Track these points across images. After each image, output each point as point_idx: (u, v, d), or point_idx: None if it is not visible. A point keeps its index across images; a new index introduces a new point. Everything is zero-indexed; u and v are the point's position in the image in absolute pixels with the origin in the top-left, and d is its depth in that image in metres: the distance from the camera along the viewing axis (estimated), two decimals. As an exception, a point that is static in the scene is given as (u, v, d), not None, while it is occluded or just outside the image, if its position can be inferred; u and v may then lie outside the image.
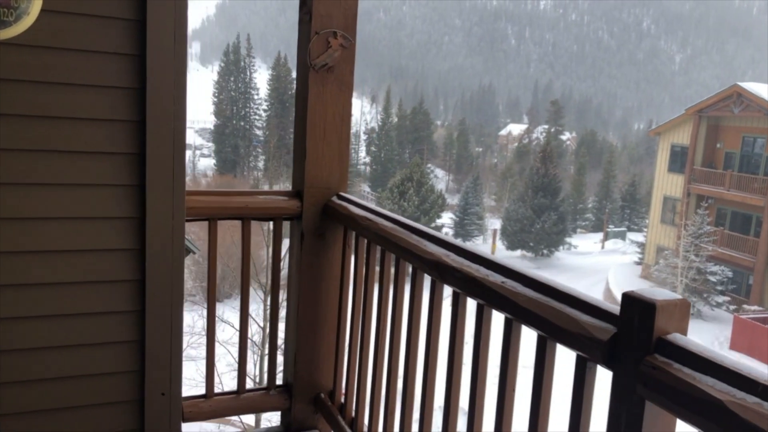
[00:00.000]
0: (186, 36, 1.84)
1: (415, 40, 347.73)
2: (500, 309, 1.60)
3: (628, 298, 1.25)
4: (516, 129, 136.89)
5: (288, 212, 2.13)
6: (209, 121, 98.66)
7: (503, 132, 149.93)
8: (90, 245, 1.93)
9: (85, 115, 1.87)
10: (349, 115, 2.16)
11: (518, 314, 1.52)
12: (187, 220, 1.98)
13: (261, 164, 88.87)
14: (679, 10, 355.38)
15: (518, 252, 43.20)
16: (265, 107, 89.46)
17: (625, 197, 65.47)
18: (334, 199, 2.11)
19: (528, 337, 1.76)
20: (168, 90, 1.79)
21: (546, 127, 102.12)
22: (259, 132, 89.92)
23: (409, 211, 36.58)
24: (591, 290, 34.38)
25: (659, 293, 1.24)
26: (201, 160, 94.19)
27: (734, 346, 23.26)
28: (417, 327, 1.97)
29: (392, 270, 1.90)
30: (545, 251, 42.65)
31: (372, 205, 1.99)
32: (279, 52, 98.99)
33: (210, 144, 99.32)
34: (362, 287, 1.98)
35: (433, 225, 38.33)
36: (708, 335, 24.44)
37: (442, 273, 1.75)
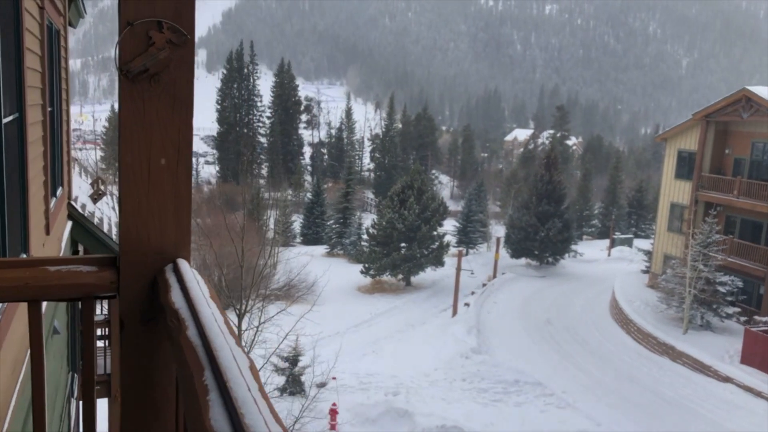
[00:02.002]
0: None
1: (420, 46, 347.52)
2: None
3: None
4: (522, 134, 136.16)
5: (100, 288, 1.45)
6: (214, 128, 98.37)
7: (509, 137, 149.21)
8: None
9: None
10: (189, 144, 1.47)
11: None
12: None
13: (264, 172, 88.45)
14: (685, 14, 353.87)
15: (523, 260, 42.40)
16: (269, 114, 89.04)
17: (631, 203, 64.53)
18: (168, 270, 1.42)
19: None
20: None
21: (552, 132, 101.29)
22: (262, 139, 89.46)
23: (409, 219, 35.85)
24: (597, 299, 33.62)
25: None
26: (205, 168, 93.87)
27: (745, 359, 22.38)
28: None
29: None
30: (550, 259, 41.81)
31: (200, 286, 1.29)
32: (282, 59, 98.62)
33: (214, 151, 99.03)
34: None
35: (434, 233, 37.59)
36: (717, 348, 23.58)
37: None
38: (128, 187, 1.42)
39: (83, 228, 6.35)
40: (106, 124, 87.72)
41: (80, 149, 79.69)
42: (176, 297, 1.26)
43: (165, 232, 1.46)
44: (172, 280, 1.37)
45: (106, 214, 7.65)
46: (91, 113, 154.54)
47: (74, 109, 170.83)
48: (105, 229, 6.78)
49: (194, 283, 1.31)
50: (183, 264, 1.44)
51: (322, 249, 50.56)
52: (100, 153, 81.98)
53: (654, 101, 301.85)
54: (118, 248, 1.46)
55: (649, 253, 34.70)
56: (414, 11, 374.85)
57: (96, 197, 7.41)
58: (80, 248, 6.67)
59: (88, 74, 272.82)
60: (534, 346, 26.06)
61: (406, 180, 37.76)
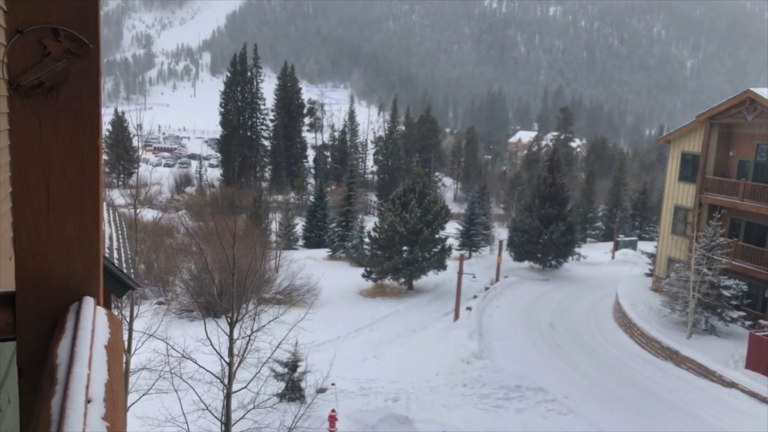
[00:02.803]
0: None
1: (424, 48, 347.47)
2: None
3: None
4: (526, 136, 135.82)
5: (-7, 330, 1.29)
6: (217, 131, 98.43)
7: (513, 139, 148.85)
8: None
9: None
10: (95, 165, 1.29)
11: None
12: None
13: (267, 174, 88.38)
14: (690, 15, 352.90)
15: (526, 263, 42.13)
16: (272, 117, 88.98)
17: (635, 205, 64.20)
18: (72, 310, 1.25)
19: None
20: None
21: (556, 134, 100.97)
22: (266, 142, 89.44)
23: (411, 223, 35.64)
24: (601, 303, 33.34)
25: None
26: (209, 171, 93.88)
27: (750, 365, 22.08)
28: None
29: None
30: (553, 262, 41.53)
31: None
32: (286, 62, 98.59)
33: (218, 154, 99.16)
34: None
35: (436, 236, 37.37)
36: (722, 353, 23.28)
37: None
38: (24, 215, 1.25)
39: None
40: (110, 128, 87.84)
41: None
42: (62, 349, 1.09)
43: (70, 265, 1.29)
44: (69, 324, 1.20)
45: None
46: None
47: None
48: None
49: (88, 330, 1.14)
50: (87, 304, 1.27)
51: (324, 252, 50.43)
52: (103, 156, 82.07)
53: (659, 103, 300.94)
54: (15, 283, 1.29)
55: (652, 256, 34.41)
56: (418, 13, 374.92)
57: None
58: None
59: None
60: (536, 350, 25.81)
61: (408, 183, 37.55)
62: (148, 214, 43.63)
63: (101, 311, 1.28)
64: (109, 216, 9.34)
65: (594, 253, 49.86)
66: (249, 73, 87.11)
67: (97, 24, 1.24)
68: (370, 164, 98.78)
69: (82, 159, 1.28)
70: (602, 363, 24.55)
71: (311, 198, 62.14)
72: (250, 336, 10.48)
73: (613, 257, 48.90)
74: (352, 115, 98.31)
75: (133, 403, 11.36)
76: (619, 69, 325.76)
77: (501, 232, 51.29)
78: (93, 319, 1.23)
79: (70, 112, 1.25)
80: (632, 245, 52.14)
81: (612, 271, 41.83)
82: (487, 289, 35.25)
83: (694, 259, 25.13)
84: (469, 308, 30.61)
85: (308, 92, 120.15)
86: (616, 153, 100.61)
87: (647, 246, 45.70)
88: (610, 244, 53.08)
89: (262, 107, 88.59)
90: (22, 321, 1.30)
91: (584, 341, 27.30)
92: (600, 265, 45.12)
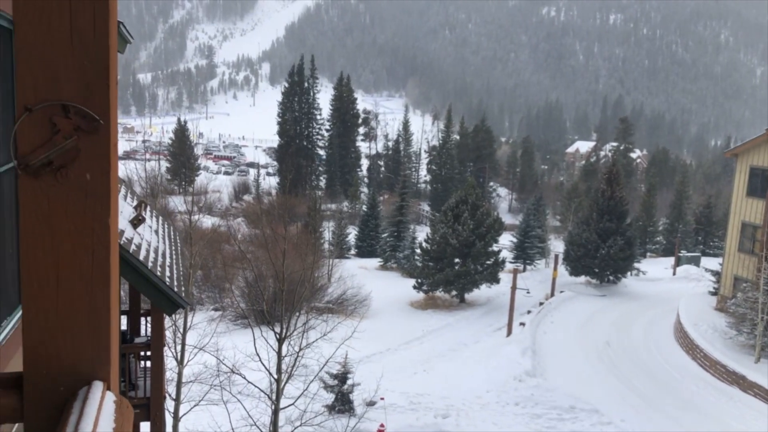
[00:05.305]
0: None
1: (480, 57, 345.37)
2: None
3: None
4: (583, 146, 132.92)
5: (1, 418, 1.23)
6: (275, 140, 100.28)
7: (570, 149, 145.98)
8: None
9: None
10: (106, 245, 1.23)
11: None
12: None
13: (322, 183, 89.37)
14: (759, 21, 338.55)
15: (582, 278, 41.07)
16: (328, 127, 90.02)
17: (699, 220, 61.77)
18: (80, 396, 1.19)
19: None
20: None
21: (615, 144, 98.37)
22: (321, 151, 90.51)
23: (463, 235, 35.27)
24: (660, 321, 32.13)
25: None
26: (266, 179, 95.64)
27: (824, 393, 20.83)
28: None
29: None
30: (611, 277, 40.33)
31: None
32: (341, 72, 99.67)
33: (275, 163, 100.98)
34: None
35: (489, 249, 36.86)
36: (793, 379, 22.04)
37: None
38: (33, 295, 1.21)
39: (123, 259, 6.31)
40: (173, 136, 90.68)
41: (147, 160, 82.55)
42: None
43: (78, 348, 1.23)
44: (74, 412, 1.14)
45: (146, 239, 7.65)
46: (161, 125, 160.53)
47: (144, 121, 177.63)
48: (141, 256, 6.74)
49: (90, 418, 1.08)
50: (95, 390, 1.21)
51: (375, 262, 50.48)
52: (166, 164, 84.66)
53: (725, 112, 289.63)
54: (23, 366, 1.24)
55: (717, 274, 32.93)
56: (474, 22, 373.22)
57: (136, 222, 7.42)
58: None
59: (157, 87, 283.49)
60: (592, 369, 25.04)
61: (461, 194, 37.19)
62: (207, 222, 44.72)
63: (110, 398, 1.23)
64: (164, 231, 9.53)
65: (654, 268, 48.19)
66: (306, 84, 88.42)
67: (106, 96, 1.18)
68: (423, 174, 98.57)
69: (92, 239, 1.23)
70: (661, 385, 23.61)
71: (364, 207, 62.40)
72: (298, 353, 10.51)
73: (674, 273, 47.13)
74: (406, 124, 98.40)
75: (184, 414, 11.55)
76: (683, 77, 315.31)
77: (557, 246, 50.20)
78: (99, 407, 1.17)
79: (80, 191, 1.20)
80: (695, 261, 50.12)
81: (673, 287, 40.30)
82: (541, 304, 34.49)
83: (763, 279, 23.93)
84: (522, 324, 29.99)
85: (363, 102, 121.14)
86: (679, 164, 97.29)
87: (711, 263, 43.79)
88: (671, 260, 51.17)
89: (318, 117, 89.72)
90: (30, 407, 1.25)
91: (642, 361, 26.34)
92: (660, 282, 43.57)
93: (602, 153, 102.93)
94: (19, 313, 4.23)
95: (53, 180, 1.18)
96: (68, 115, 1.16)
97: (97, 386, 1.24)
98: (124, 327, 9.20)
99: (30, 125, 1.16)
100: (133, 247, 6.73)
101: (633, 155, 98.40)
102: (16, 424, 2.28)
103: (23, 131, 1.16)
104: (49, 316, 1.23)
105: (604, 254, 38.73)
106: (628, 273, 41.26)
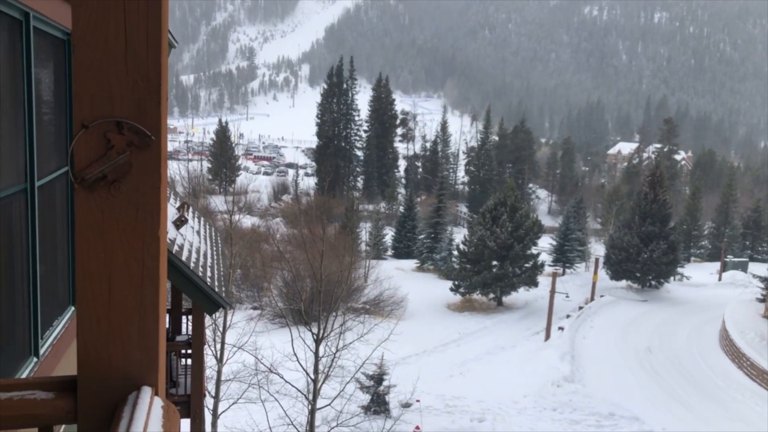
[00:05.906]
0: None
1: (520, 57, 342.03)
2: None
3: None
4: (626, 148, 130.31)
5: (56, 419, 1.29)
6: (314, 141, 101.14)
7: (612, 151, 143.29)
8: None
9: None
10: (155, 256, 1.28)
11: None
12: None
13: (360, 184, 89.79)
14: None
15: (623, 282, 40.28)
16: (366, 128, 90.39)
17: (747, 224, 59.95)
18: (129, 400, 1.24)
19: None
20: None
21: (659, 146, 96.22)
22: (359, 152, 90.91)
23: (502, 237, 34.98)
24: (705, 328, 31.29)
25: None
26: (304, 179, 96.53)
27: None
28: None
29: None
30: (653, 282, 39.47)
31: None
32: (380, 74, 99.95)
33: (313, 163, 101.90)
34: None
35: (528, 252, 36.48)
36: None
37: None
38: (87, 303, 1.27)
39: (167, 261, 6.43)
40: (214, 137, 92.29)
41: (189, 160, 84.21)
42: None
43: (129, 354, 1.29)
44: (125, 417, 1.19)
45: (188, 240, 7.81)
46: (203, 126, 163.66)
47: (186, 122, 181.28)
48: (184, 257, 6.90)
49: (140, 423, 1.12)
50: (144, 395, 1.26)
51: (412, 263, 50.45)
52: (207, 164, 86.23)
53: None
54: (77, 370, 1.30)
55: (765, 280, 31.88)
56: (515, 22, 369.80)
57: (179, 223, 7.58)
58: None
59: (200, 89, 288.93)
60: (632, 376, 24.55)
61: (499, 196, 36.91)
62: (247, 221, 45.37)
63: (158, 403, 1.28)
64: (205, 231, 9.73)
65: (698, 273, 46.96)
66: (344, 85, 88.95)
67: (158, 114, 1.23)
68: (461, 175, 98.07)
69: (143, 251, 1.28)
70: (705, 394, 22.99)
71: (401, 208, 62.42)
72: (335, 354, 10.61)
73: (719, 279, 45.86)
74: (444, 125, 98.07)
75: (223, 411, 11.77)
76: (731, 77, 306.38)
77: (597, 249, 49.36)
78: (147, 412, 1.22)
79: (132, 205, 1.25)
80: (742, 267, 48.66)
81: (718, 293, 39.20)
82: (581, 308, 33.97)
83: (813, 286, 23.10)
84: (561, 328, 29.59)
85: (401, 102, 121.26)
86: (726, 167, 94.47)
87: (759, 268, 42.40)
88: (717, 265, 49.77)
89: (357, 118, 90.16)
90: (83, 409, 1.31)
91: (685, 368, 25.70)
92: (705, 287, 42.43)
93: (645, 155, 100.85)
94: (69, 312, 4.38)
95: (107, 194, 1.24)
96: (122, 131, 1.22)
97: (146, 391, 1.29)
98: (166, 325, 9.40)
99: (86, 141, 1.22)
100: (176, 248, 6.89)
101: (677, 157, 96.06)
102: (63, 426, 2.36)
103: (80, 147, 1.22)
104: (102, 324, 1.29)
105: (646, 258, 37.93)
106: (671, 278, 40.30)
